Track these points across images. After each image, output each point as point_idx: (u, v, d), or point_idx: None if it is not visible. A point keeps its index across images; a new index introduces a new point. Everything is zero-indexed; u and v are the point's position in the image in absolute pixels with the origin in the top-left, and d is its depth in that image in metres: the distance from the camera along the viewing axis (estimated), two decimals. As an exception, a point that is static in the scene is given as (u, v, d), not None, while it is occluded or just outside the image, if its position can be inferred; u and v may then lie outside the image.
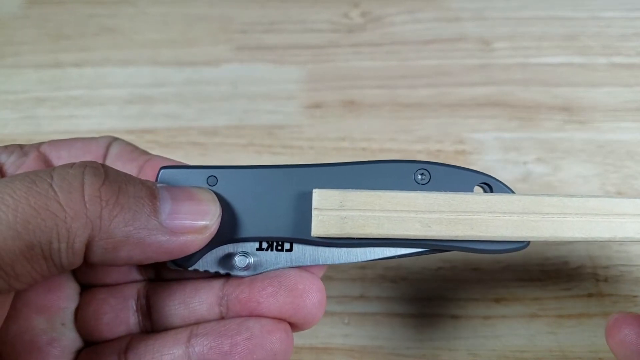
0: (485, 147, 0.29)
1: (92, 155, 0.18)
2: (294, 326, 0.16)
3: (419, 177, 0.17)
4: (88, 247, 0.13)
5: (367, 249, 0.17)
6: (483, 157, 0.28)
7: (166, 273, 0.18)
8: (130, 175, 0.14)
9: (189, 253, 0.15)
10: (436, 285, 0.24)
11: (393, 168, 0.16)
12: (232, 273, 0.17)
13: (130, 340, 0.16)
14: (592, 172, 0.28)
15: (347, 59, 0.33)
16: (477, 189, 0.17)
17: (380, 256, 0.17)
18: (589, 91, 0.31)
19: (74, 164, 0.14)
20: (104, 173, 0.14)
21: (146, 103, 0.31)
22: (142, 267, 0.18)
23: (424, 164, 0.16)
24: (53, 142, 0.18)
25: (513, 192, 0.17)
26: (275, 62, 0.33)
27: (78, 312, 0.17)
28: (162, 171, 0.17)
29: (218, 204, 0.16)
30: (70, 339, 0.17)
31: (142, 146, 0.19)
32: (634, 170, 0.28)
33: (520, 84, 0.31)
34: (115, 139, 0.18)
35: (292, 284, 0.16)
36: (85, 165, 0.14)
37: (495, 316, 0.23)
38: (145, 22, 0.35)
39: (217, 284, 0.17)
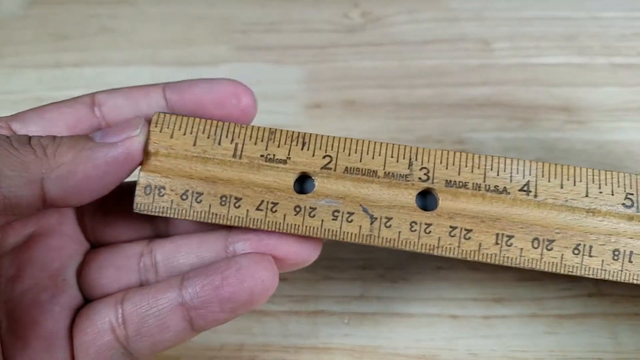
0: (485, 147, 0.29)
1: (63, 123, 0.19)
2: (291, 265, 0.18)
3: None
4: (45, 179, 0.15)
5: None
6: (483, 157, 0.28)
7: (169, 230, 0.20)
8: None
9: (137, 158, 0.17)
10: (436, 285, 0.24)
11: None
12: None
13: (126, 293, 0.18)
14: (591, 172, 0.28)
15: (347, 59, 0.33)
16: None
17: None
18: (589, 91, 0.31)
19: (20, 135, 0.17)
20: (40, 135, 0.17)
21: (146, 103, 0.31)
22: (144, 226, 0.20)
23: None
24: (21, 116, 0.19)
25: None
26: (275, 62, 0.33)
27: (82, 270, 0.19)
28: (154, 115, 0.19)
29: (141, 118, 0.18)
30: (70, 296, 0.18)
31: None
32: (633, 171, 0.28)
33: (520, 84, 0.31)
34: (94, 94, 0.20)
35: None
36: (26, 135, 0.17)
37: (495, 316, 0.24)
38: (145, 22, 0.35)
39: (221, 234, 0.19)
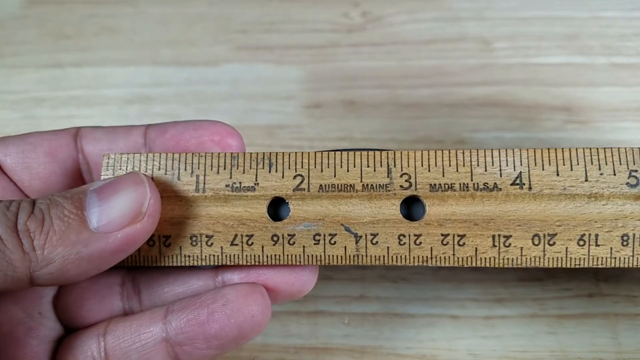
0: (486, 147, 0.29)
1: (43, 149, 0.18)
2: (285, 296, 0.17)
3: None
4: (34, 276, 0.14)
5: None
6: (483, 157, 0.28)
7: None
8: (56, 197, 0.15)
9: (140, 243, 0.15)
10: (436, 286, 0.24)
11: None
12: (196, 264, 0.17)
13: (108, 324, 0.17)
14: (592, 172, 0.28)
15: (347, 59, 0.33)
16: None
17: None
18: (590, 91, 0.31)
19: (13, 201, 0.14)
20: (31, 205, 0.14)
21: (146, 103, 0.31)
22: None
23: None
24: (2, 140, 0.18)
25: None
26: (275, 62, 0.33)
27: (58, 300, 0.17)
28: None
29: (145, 184, 0.15)
30: (48, 328, 0.17)
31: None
32: (634, 170, 0.28)
33: (521, 83, 0.31)
34: (80, 128, 0.18)
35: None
36: (20, 201, 0.14)
37: (495, 316, 0.23)
38: (145, 22, 0.35)
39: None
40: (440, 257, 0.17)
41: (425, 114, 0.30)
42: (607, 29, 0.33)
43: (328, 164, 0.17)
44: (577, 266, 0.16)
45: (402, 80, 0.32)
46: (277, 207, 0.17)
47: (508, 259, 0.16)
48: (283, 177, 0.17)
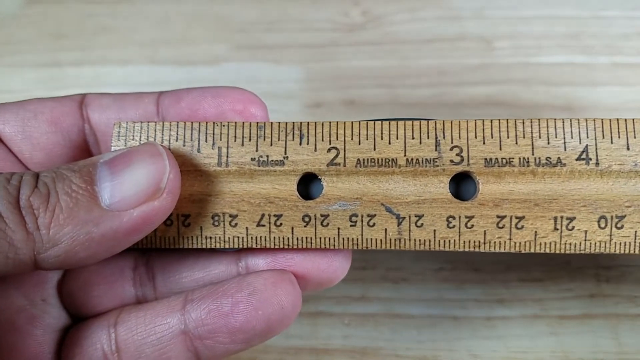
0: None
1: (45, 116, 0.16)
2: (315, 284, 0.15)
3: None
4: (38, 258, 0.12)
5: None
6: (484, 157, 0.28)
7: None
8: (62, 170, 0.13)
9: (158, 223, 0.14)
10: (437, 286, 0.24)
11: None
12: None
13: (120, 314, 0.15)
14: (593, 172, 0.28)
15: (347, 58, 0.33)
16: None
17: None
18: (591, 91, 0.31)
19: (14, 174, 0.13)
20: (35, 179, 0.13)
21: (145, 102, 0.31)
22: None
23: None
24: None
25: None
26: (275, 61, 0.33)
27: (63, 285, 0.16)
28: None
29: (163, 156, 0.14)
30: (53, 316, 0.15)
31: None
32: None
33: (521, 83, 0.31)
34: (85, 95, 0.17)
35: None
36: (22, 174, 0.13)
37: (496, 317, 0.23)
38: (143, 21, 0.35)
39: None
40: (494, 242, 0.15)
41: (426, 113, 0.30)
42: (608, 29, 0.33)
43: (367, 135, 0.15)
44: None
45: (402, 80, 0.32)
46: (308, 184, 0.16)
47: (570, 244, 0.15)
48: (316, 150, 0.15)
